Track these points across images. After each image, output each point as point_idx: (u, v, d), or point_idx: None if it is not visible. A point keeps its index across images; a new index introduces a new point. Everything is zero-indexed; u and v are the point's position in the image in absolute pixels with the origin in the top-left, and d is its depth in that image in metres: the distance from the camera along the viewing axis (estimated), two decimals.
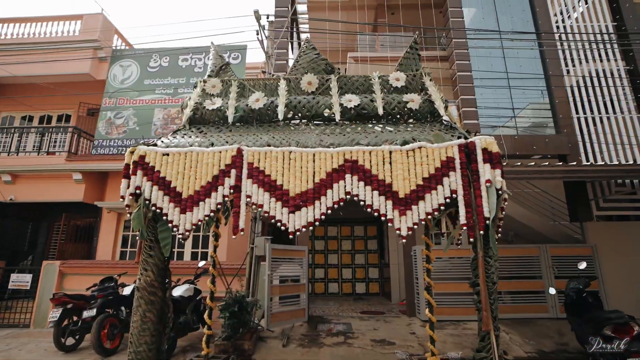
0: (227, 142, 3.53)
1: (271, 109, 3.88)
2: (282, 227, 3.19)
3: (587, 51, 8.27)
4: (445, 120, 3.81)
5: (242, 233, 3.23)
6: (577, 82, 8.06)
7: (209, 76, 4.28)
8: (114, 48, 9.06)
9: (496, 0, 8.82)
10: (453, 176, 3.22)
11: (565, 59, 8.21)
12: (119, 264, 7.22)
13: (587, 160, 7.41)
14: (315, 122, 3.94)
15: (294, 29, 9.12)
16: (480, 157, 3.22)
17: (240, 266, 6.36)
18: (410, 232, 3.14)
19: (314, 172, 3.31)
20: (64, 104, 9.09)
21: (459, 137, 3.46)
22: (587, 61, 8.24)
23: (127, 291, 5.56)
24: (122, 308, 5.38)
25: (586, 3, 8.84)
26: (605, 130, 7.71)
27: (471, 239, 3.11)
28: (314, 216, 3.20)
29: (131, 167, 3.39)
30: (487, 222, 3.09)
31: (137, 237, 3.40)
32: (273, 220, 3.23)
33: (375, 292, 10.76)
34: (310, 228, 3.19)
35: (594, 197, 7.43)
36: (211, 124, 3.99)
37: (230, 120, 3.82)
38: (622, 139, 7.62)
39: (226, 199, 3.28)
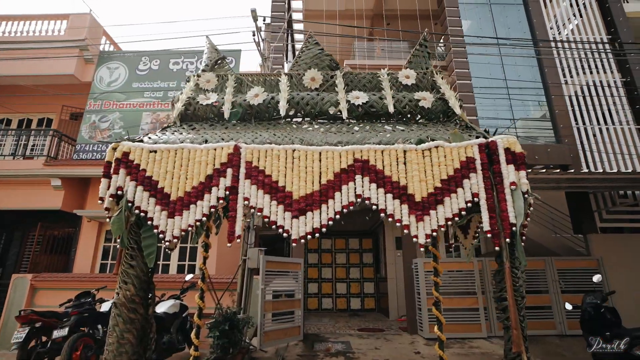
0: (222, 140, 3.18)
1: (271, 105, 3.56)
2: (285, 234, 2.82)
3: (583, 62, 8.28)
4: (460, 120, 3.54)
5: (238, 240, 2.84)
6: (576, 92, 8.02)
7: (203, 71, 3.94)
8: (101, 50, 8.66)
9: (493, 11, 8.83)
10: (474, 178, 2.92)
11: (562, 69, 8.18)
12: (98, 277, 6.65)
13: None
14: (319, 120, 3.62)
15: (290, 35, 8.92)
16: (503, 158, 2.95)
17: (231, 280, 5.89)
18: (428, 240, 2.81)
19: (320, 173, 2.97)
20: (45, 106, 8.59)
21: (477, 137, 3.20)
22: (584, 72, 8.23)
23: (105, 307, 5.03)
24: (99, 326, 4.84)
25: (580, 16, 8.92)
26: (605, 140, 7.63)
27: (496, 248, 2.79)
28: (321, 222, 2.84)
29: (113, 165, 3.00)
30: (514, 228, 2.79)
31: (118, 246, 2.97)
32: (274, 227, 2.85)
33: (371, 307, 10.31)
34: (317, 235, 2.83)
35: (597, 208, 7.27)
36: (205, 120, 3.64)
37: (226, 115, 3.47)
38: (621, 149, 7.54)
39: (221, 201, 2.90)
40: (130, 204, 2.86)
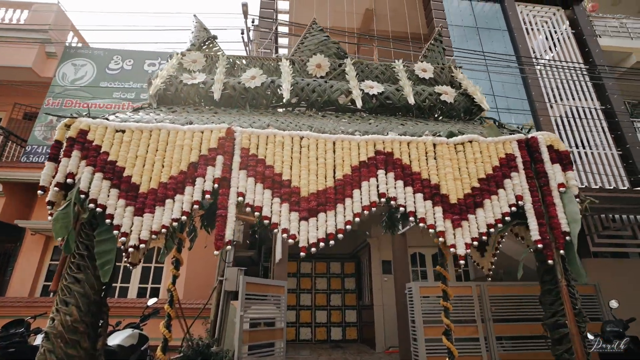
0: (212, 123, 2.56)
1: (271, 90, 3.00)
2: (290, 241, 2.19)
3: (564, 85, 8.49)
4: (486, 118, 3.15)
5: (229, 247, 2.17)
6: (560, 116, 8.12)
7: (189, 50, 3.34)
8: (67, 44, 7.83)
9: (481, 36, 8.98)
10: (516, 178, 2.47)
11: (547, 94, 8.32)
12: (37, 301, 5.53)
13: None
14: (327, 110, 3.09)
15: (276, 44, 8.55)
16: (546, 156, 2.53)
17: (204, 305, 5.02)
18: (468, 251, 2.28)
19: (335, 166, 2.41)
20: None
21: (510, 134, 2.79)
22: (567, 98, 8.40)
23: (40, 339, 4.01)
24: None
25: (557, 47, 9.24)
26: (590, 162, 7.68)
27: (549, 261, 2.30)
28: (336, 225, 2.24)
29: (64, 145, 2.28)
30: (567, 238, 2.32)
31: (61, 251, 2.19)
32: (276, 230, 2.22)
33: (353, 338, 9.50)
34: (331, 243, 2.21)
35: (589, 232, 7.13)
36: (189, 105, 3.00)
37: (216, 96, 2.86)
38: (606, 171, 7.60)
39: (207, 196, 2.24)
40: (83, 196, 2.13)
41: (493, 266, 3.48)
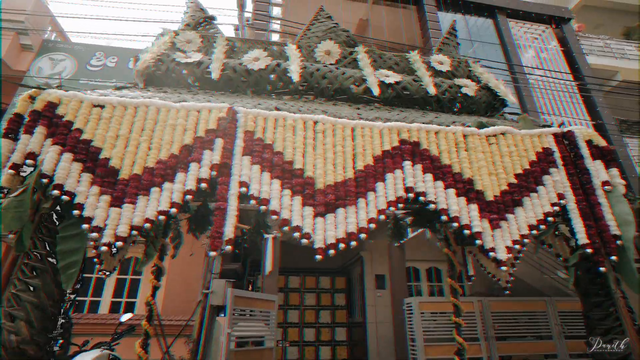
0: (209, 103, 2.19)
1: (277, 74, 2.65)
2: (304, 240, 1.80)
3: (557, 101, 8.55)
4: (511, 115, 2.90)
5: (228, 247, 1.77)
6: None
7: (182, 30, 2.98)
8: (45, 38, 7.32)
9: (475, 49, 9.01)
10: (556, 174, 2.19)
11: (540, 106, 8.33)
12: None
13: None
14: (339, 99, 2.77)
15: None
16: (586, 151, 2.27)
17: (187, 322, 4.48)
18: (510, 256, 1.95)
19: (355, 155, 2.07)
20: None
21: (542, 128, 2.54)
22: (560, 114, 8.45)
23: None
24: None
25: (543, 66, 9.38)
26: None
27: (602, 269, 1.99)
28: (358, 223, 1.88)
29: (26, 120, 1.85)
30: (618, 242, 2.04)
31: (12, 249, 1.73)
32: (286, 228, 1.84)
33: (343, 358, 8.95)
34: (352, 244, 1.85)
35: None
36: (182, 87, 2.62)
37: (214, 76, 2.49)
38: None
39: (203, 185, 1.85)
40: (45, 181, 1.70)
41: (512, 278, 3.17)
